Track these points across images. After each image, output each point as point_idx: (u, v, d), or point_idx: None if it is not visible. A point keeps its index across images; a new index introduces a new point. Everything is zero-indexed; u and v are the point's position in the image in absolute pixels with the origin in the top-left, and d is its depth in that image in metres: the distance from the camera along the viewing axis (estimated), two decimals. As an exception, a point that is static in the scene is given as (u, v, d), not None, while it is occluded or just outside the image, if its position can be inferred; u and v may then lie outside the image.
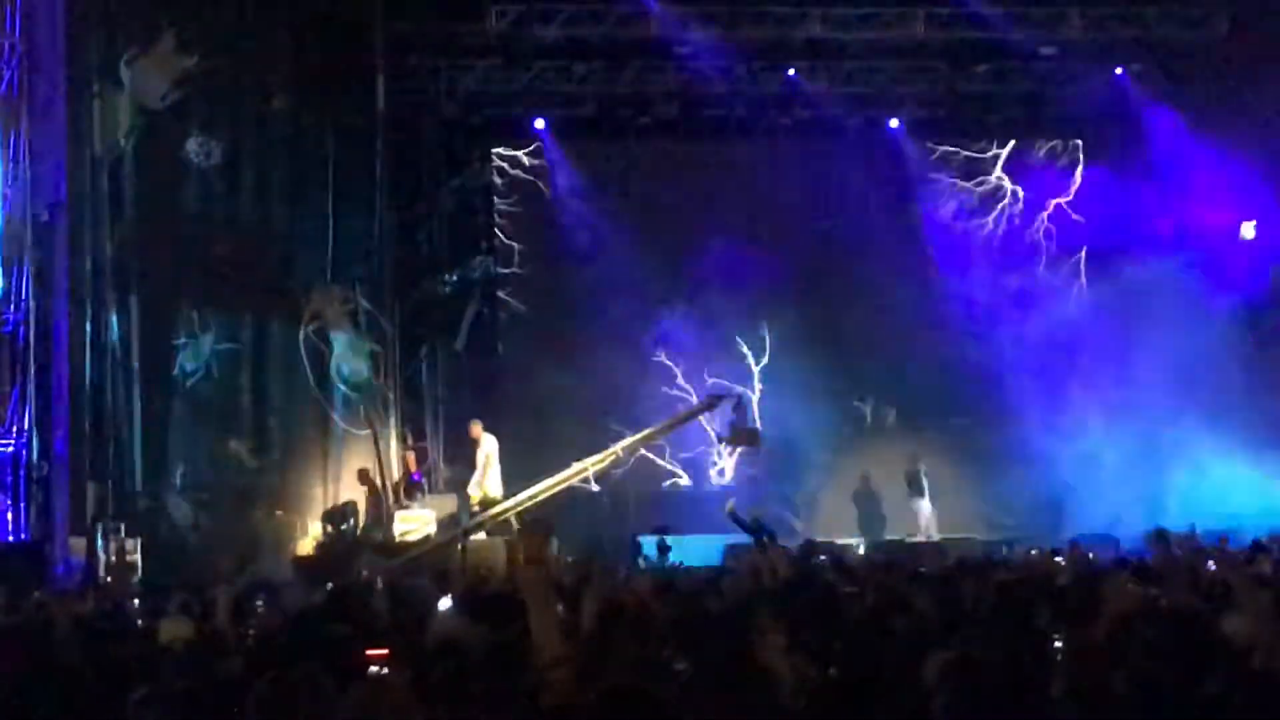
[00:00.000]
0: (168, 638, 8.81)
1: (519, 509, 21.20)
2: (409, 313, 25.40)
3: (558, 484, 21.49)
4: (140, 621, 11.10)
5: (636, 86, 26.24)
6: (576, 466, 21.90)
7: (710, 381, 25.57)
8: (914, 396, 26.41)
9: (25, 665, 6.70)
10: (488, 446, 22.61)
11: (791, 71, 26.49)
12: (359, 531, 22.56)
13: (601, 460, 22.23)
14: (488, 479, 22.40)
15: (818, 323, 25.91)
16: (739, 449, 24.42)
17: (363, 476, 23.30)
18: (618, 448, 22.41)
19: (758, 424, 24.10)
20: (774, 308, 26.18)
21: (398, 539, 21.92)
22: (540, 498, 21.27)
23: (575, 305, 25.94)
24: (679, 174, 26.76)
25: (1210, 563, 14.01)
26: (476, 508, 22.14)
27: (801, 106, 26.85)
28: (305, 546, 22.51)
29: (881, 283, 25.98)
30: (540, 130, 26.61)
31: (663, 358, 26.07)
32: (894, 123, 27.41)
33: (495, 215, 26.57)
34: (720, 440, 23.33)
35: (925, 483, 25.12)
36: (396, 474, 23.36)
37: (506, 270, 26.51)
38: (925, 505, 24.98)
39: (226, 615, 9.93)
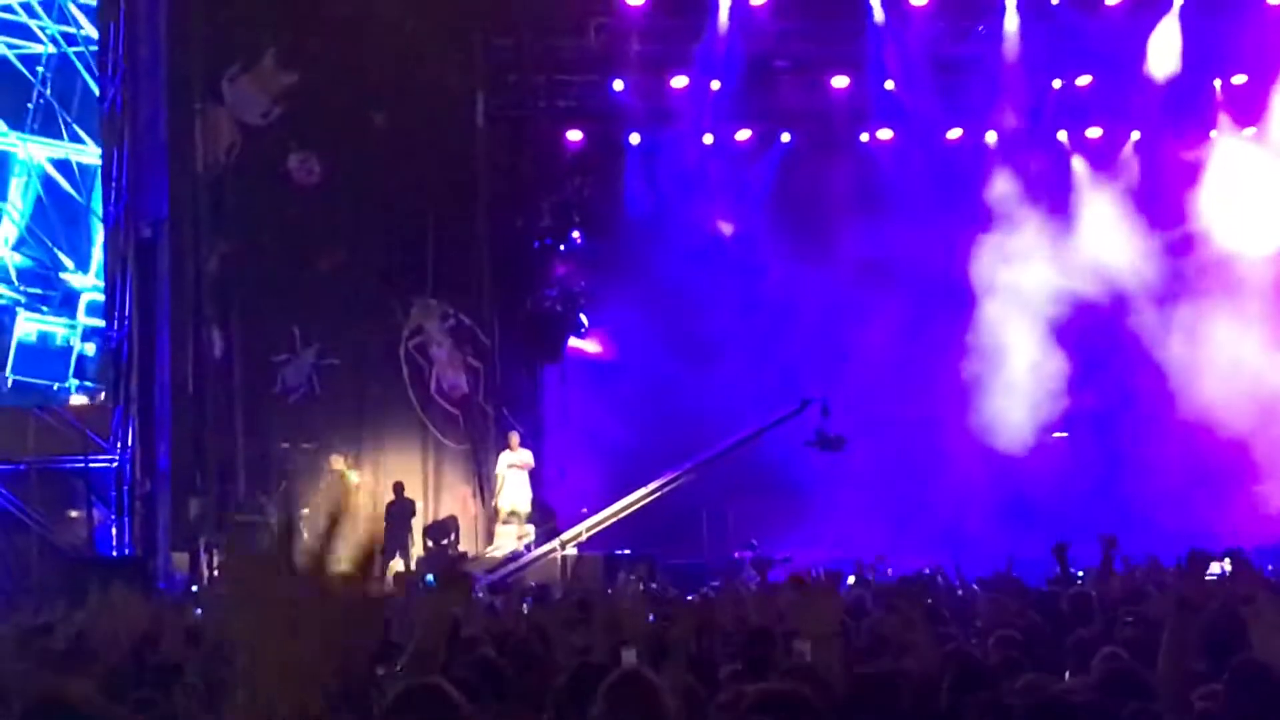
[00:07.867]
0: None
1: (610, 522, 21.40)
2: (509, 327, 25.34)
3: (643, 498, 21.65)
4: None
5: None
6: (663, 480, 22.12)
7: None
8: None
9: None
10: (510, 460, 22.66)
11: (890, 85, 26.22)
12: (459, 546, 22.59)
13: (687, 473, 22.38)
14: (500, 494, 22.56)
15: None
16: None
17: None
18: (705, 458, 22.53)
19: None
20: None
21: (494, 553, 22.00)
22: (626, 512, 21.43)
23: (676, 315, 25.76)
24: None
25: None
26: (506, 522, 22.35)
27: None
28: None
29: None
30: (637, 145, 26.53)
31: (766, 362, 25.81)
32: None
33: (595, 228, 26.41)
34: (806, 444, 23.14)
35: None
36: (496, 489, 23.32)
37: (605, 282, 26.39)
38: None
39: None
